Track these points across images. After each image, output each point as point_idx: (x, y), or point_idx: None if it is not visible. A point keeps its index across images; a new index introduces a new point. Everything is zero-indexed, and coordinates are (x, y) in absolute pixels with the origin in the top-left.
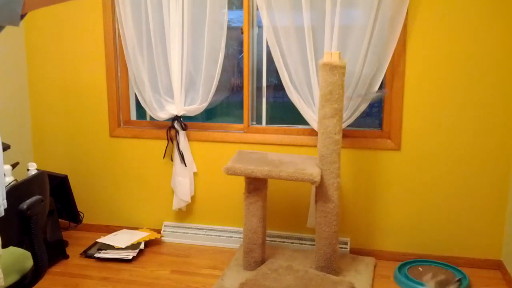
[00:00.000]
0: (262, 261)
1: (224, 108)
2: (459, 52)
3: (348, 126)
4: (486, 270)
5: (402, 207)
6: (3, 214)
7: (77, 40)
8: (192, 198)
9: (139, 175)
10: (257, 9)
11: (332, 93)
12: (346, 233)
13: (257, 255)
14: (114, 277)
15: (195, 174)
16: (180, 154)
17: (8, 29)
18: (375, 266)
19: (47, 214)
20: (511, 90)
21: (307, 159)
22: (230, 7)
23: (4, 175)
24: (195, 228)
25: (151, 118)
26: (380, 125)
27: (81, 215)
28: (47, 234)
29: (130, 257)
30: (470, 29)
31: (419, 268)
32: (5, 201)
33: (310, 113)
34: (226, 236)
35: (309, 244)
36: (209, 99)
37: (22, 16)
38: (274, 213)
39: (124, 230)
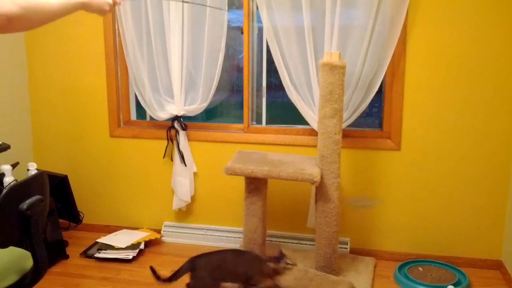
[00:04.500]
0: None
1: (224, 108)
2: (459, 52)
3: (348, 126)
4: (486, 270)
5: (402, 207)
6: None
7: (77, 40)
8: (192, 198)
9: (139, 175)
10: (257, 9)
11: (332, 93)
12: (346, 233)
13: None
14: (114, 277)
15: (195, 174)
16: (180, 154)
17: None
18: (375, 266)
19: (47, 214)
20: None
21: (307, 159)
22: (230, 7)
23: (4, 175)
24: (195, 228)
25: (151, 118)
26: (380, 125)
27: (81, 215)
28: (47, 234)
29: (130, 257)
30: (471, 29)
31: (419, 268)
32: None
33: (310, 113)
34: (226, 236)
35: (309, 244)
36: (209, 99)
37: None
38: (274, 213)
39: (124, 230)
